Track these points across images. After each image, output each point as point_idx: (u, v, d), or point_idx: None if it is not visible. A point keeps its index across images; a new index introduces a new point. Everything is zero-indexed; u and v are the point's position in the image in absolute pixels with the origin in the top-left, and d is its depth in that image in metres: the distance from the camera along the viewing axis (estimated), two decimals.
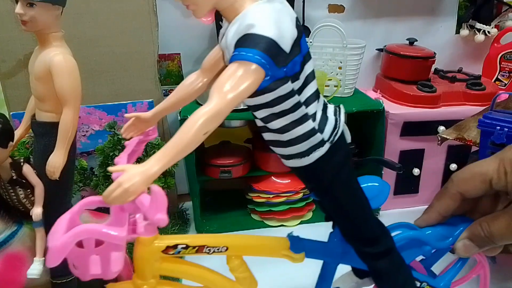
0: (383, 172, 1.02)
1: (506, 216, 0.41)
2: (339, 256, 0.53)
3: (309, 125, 0.43)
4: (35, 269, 0.62)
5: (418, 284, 0.53)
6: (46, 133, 0.65)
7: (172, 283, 0.51)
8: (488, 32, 1.15)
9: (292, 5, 1.05)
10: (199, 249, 0.47)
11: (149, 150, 0.95)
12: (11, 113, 0.99)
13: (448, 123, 0.95)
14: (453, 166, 1.06)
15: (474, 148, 0.94)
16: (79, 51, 0.67)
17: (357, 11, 1.11)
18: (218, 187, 1.18)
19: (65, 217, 0.40)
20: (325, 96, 0.98)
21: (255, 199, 1.03)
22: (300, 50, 0.41)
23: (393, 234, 0.51)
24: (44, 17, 0.60)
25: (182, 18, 1.04)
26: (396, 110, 1.01)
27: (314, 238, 0.53)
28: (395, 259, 0.50)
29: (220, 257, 0.49)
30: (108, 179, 0.92)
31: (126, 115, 0.53)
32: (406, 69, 1.06)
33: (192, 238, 0.47)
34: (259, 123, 0.45)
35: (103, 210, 0.51)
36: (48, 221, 0.65)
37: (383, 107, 0.97)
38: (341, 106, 0.49)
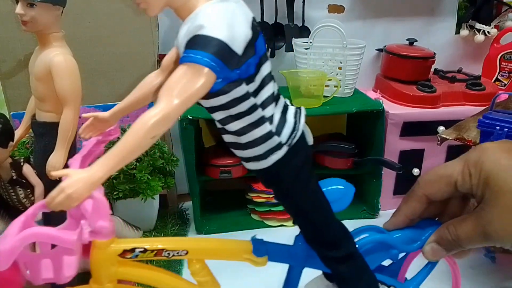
0: (382, 172, 1.02)
1: (472, 219, 0.41)
2: (304, 260, 0.52)
3: (265, 128, 0.42)
4: None
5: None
6: (46, 133, 0.65)
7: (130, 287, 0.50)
8: (488, 32, 1.15)
9: (292, 6, 1.05)
10: (158, 253, 0.45)
11: (149, 150, 0.95)
12: (11, 113, 0.99)
13: (448, 123, 0.95)
14: None
15: None
16: (79, 51, 0.67)
17: (357, 11, 1.11)
18: (218, 187, 1.18)
19: (19, 219, 0.39)
20: (325, 96, 0.98)
21: (255, 199, 1.04)
22: (255, 51, 0.40)
23: (360, 237, 0.51)
24: (45, 17, 0.61)
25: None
26: (396, 110, 1.01)
27: None
28: (358, 263, 0.49)
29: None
30: (107, 180, 0.92)
31: (83, 115, 0.52)
32: (406, 69, 1.06)
33: (150, 241, 0.46)
34: (218, 125, 0.44)
35: None
36: (48, 221, 0.65)
37: (383, 107, 0.97)
38: (302, 108, 0.48)
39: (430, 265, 0.51)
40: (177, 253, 0.46)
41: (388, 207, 1.04)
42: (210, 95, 0.39)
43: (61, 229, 0.41)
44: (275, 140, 0.43)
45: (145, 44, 0.97)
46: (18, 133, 0.70)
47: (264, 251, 0.50)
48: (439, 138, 0.85)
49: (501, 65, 1.17)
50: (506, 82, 1.18)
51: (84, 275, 0.46)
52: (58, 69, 0.62)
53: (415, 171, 1.06)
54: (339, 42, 0.99)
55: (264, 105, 0.42)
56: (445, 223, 0.44)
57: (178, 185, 1.09)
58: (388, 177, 1.04)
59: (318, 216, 0.47)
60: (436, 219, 0.49)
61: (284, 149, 0.43)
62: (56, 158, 0.62)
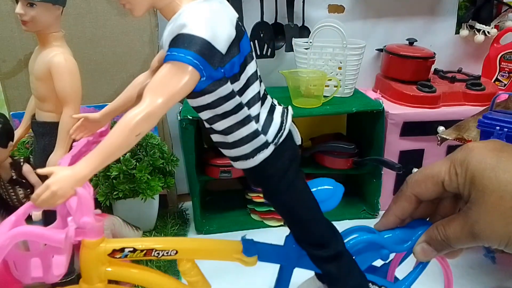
0: (382, 172, 1.02)
1: (460, 219, 0.41)
2: (295, 260, 0.52)
3: (252, 126, 0.42)
4: None
5: None
6: (46, 133, 0.65)
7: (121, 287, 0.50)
8: (488, 32, 1.15)
9: (292, 5, 1.05)
10: (147, 253, 0.46)
11: (149, 150, 0.96)
12: (11, 113, 0.99)
13: (448, 123, 0.95)
14: None
15: None
16: (79, 51, 0.67)
17: (357, 11, 1.11)
18: (218, 187, 1.18)
19: (10, 219, 0.40)
20: (325, 96, 0.98)
21: (255, 199, 1.03)
22: (240, 50, 0.40)
23: (351, 237, 0.51)
24: (45, 17, 0.61)
25: None
26: (396, 110, 1.01)
27: None
28: (347, 262, 0.49)
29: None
30: (108, 179, 0.92)
31: (74, 115, 0.53)
32: (406, 69, 1.06)
33: (139, 241, 0.46)
34: (206, 125, 0.44)
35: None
36: (48, 221, 0.65)
37: (383, 107, 0.97)
38: (289, 108, 0.48)
39: (421, 265, 0.51)
40: (167, 253, 0.47)
41: None
42: (195, 94, 0.39)
43: (51, 228, 0.40)
44: (261, 139, 0.43)
45: (145, 44, 0.97)
46: (18, 133, 0.70)
47: (254, 251, 0.50)
48: (439, 138, 0.85)
49: (501, 65, 1.17)
50: (506, 82, 1.18)
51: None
52: (58, 69, 0.62)
53: (415, 171, 1.06)
54: (339, 42, 0.99)
55: (249, 104, 0.42)
56: (435, 223, 0.44)
57: (178, 185, 1.09)
58: (388, 177, 1.04)
59: (306, 215, 0.47)
60: (428, 219, 0.49)
61: (271, 148, 0.44)
62: (55, 157, 0.63)
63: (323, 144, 1.06)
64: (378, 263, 0.53)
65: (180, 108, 0.95)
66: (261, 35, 1.05)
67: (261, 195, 1.01)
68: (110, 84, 0.98)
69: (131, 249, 0.45)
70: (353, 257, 0.50)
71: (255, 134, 0.43)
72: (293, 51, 1.04)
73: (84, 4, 0.92)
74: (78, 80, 0.64)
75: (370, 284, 0.51)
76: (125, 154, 0.91)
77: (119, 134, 0.36)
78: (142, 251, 0.46)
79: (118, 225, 0.83)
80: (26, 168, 0.65)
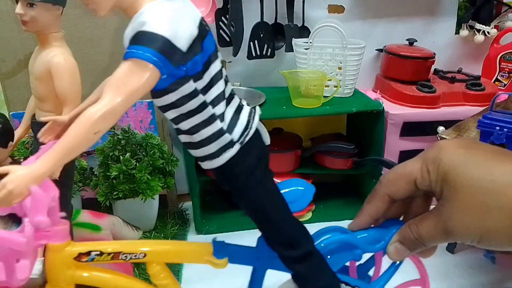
0: (382, 172, 1.02)
1: (433, 217, 0.41)
2: (267, 262, 0.51)
3: (217, 125, 0.42)
4: (34, 269, 0.63)
5: None
6: None
7: None
8: (488, 32, 1.15)
9: (292, 6, 1.05)
10: (115, 256, 0.45)
11: (149, 150, 0.96)
12: (11, 113, 0.99)
13: (447, 124, 0.95)
14: None
15: None
16: (79, 51, 0.67)
17: (357, 11, 1.11)
18: (218, 187, 1.18)
19: None
20: (324, 97, 0.98)
21: None
22: (202, 49, 0.40)
23: (324, 237, 0.51)
24: (45, 17, 0.61)
25: None
26: (396, 111, 1.01)
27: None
28: (317, 262, 0.49)
29: None
30: (108, 179, 0.92)
31: (42, 118, 0.52)
32: (405, 69, 1.06)
33: (106, 244, 0.46)
34: (173, 125, 0.44)
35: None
36: None
37: (383, 108, 0.97)
38: (257, 108, 0.48)
39: (395, 265, 0.51)
40: (135, 256, 0.46)
41: None
42: (158, 93, 0.39)
43: (14, 231, 0.40)
44: (226, 138, 0.43)
45: None
46: (18, 133, 0.70)
47: (225, 253, 0.50)
48: (439, 138, 0.85)
49: (501, 65, 1.17)
50: (505, 83, 1.18)
51: None
52: (58, 69, 0.62)
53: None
54: (339, 42, 0.99)
55: (214, 103, 0.42)
56: (407, 222, 0.44)
57: (178, 185, 1.09)
58: None
59: (275, 215, 0.47)
60: (401, 218, 0.49)
61: (236, 147, 0.44)
62: None
63: (323, 144, 1.06)
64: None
65: None
66: (261, 35, 1.05)
67: None
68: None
69: (98, 253, 0.45)
70: (324, 258, 0.49)
71: (220, 133, 0.43)
72: (293, 51, 1.04)
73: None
74: (78, 80, 0.64)
75: (343, 284, 0.51)
76: (125, 154, 0.91)
77: (77, 132, 0.36)
78: (109, 254, 0.45)
79: (118, 225, 0.83)
80: None
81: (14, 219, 0.65)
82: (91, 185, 0.95)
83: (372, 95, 1.05)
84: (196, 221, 1.02)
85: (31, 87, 0.66)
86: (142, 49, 0.36)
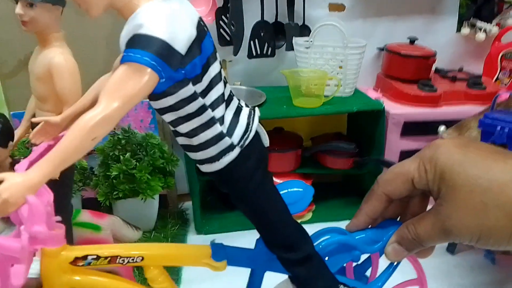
0: (383, 172, 1.02)
1: (431, 216, 0.41)
2: (265, 264, 0.51)
3: (216, 129, 0.41)
4: (35, 269, 0.62)
5: None
6: None
7: None
8: (489, 30, 1.15)
9: (293, 5, 1.05)
10: (112, 260, 0.45)
11: (149, 150, 0.95)
12: (11, 112, 0.99)
13: (449, 123, 0.94)
14: None
15: None
16: (79, 51, 0.67)
17: (357, 10, 1.11)
18: (219, 187, 1.18)
19: None
20: (325, 96, 0.98)
21: None
22: (201, 51, 0.39)
23: (322, 239, 0.50)
24: (44, 17, 0.61)
25: None
26: (397, 110, 1.01)
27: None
28: (316, 265, 0.48)
29: None
30: (108, 179, 0.92)
31: (33, 119, 0.51)
32: (406, 68, 1.06)
33: (103, 248, 0.45)
34: (171, 127, 0.43)
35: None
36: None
37: (383, 107, 0.97)
38: (256, 109, 0.47)
39: (393, 266, 0.51)
40: (133, 259, 0.45)
41: None
42: (156, 96, 0.38)
43: (8, 237, 0.39)
44: (226, 141, 0.42)
45: None
46: (18, 132, 0.70)
47: (223, 255, 0.49)
48: (441, 138, 0.85)
49: (502, 64, 1.17)
50: (507, 82, 1.18)
51: None
52: (58, 69, 0.61)
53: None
54: (340, 41, 0.99)
55: (213, 106, 0.41)
56: (405, 223, 0.44)
57: (178, 185, 1.09)
58: None
59: (274, 218, 0.47)
60: (398, 218, 0.49)
61: (237, 151, 0.43)
62: None
63: (323, 144, 1.06)
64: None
65: None
66: (262, 34, 1.05)
67: None
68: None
69: (95, 257, 0.44)
70: (323, 260, 0.49)
71: (220, 137, 0.42)
72: (293, 50, 1.04)
73: None
74: (78, 80, 0.63)
75: (341, 285, 0.51)
76: (125, 154, 0.91)
77: (73, 139, 0.35)
78: (106, 258, 0.44)
79: (118, 225, 0.83)
80: None
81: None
82: (91, 184, 0.95)
83: (373, 94, 1.05)
84: (196, 221, 1.02)
85: (31, 87, 0.66)
86: (139, 52, 0.35)
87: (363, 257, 0.51)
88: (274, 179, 1.03)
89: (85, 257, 0.44)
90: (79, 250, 0.44)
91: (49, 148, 0.50)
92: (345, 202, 1.12)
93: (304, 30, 1.07)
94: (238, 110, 0.45)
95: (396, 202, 0.46)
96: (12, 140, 0.65)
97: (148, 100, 0.40)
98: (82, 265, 0.44)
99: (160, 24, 0.36)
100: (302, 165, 1.07)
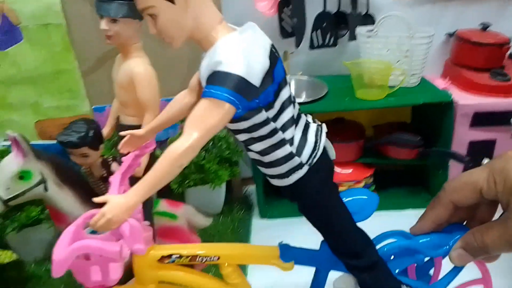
0: (449, 164, 1.00)
1: (500, 226, 0.41)
2: (330, 264, 0.54)
3: (286, 149, 0.45)
4: None
5: None
6: None
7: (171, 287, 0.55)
8: None
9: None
10: (192, 258, 0.51)
11: (216, 142, 1.01)
12: (92, 107, 1.08)
13: None
14: None
15: None
16: (153, 49, 0.71)
17: None
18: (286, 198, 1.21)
19: (69, 229, 0.45)
20: (390, 87, 0.96)
21: None
22: (273, 79, 0.42)
23: (386, 241, 0.52)
24: (126, 31, 0.66)
25: (247, 7, 1.01)
26: (466, 101, 0.97)
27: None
28: (381, 271, 0.51)
29: None
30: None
31: (121, 133, 0.57)
32: (478, 56, 1.00)
33: (185, 248, 0.51)
34: (243, 145, 0.47)
35: None
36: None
37: (452, 99, 0.94)
38: (323, 126, 0.50)
39: (457, 270, 0.52)
40: (210, 258, 0.52)
41: None
42: (232, 120, 0.42)
43: (104, 239, 0.46)
44: (295, 160, 0.46)
45: None
46: (104, 133, 0.77)
47: (291, 256, 0.54)
48: None
49: None
50: None
51: None
52: (139, 79, 0.67)
53: (485, 162, 1.02)
54: (405, 31, 0.95)
55: (284, 128, 0.45)
56: (472, 230, 0.44)
57: (242, 169, 1.13)
58: (456, 168, 1.02)
59: (339, 228, 0.50)
60: (464, 223, 0.49)
61: (305, 169, 0.46)
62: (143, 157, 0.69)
63: (386, 134, 1.05)
64: None
65: None
66: (324, 24, 1.05)
67: None
68: (176, 79, 1.03)
69: (178, 255, 0.51)
70: (386, 264, 0.51)
71: (290, 156, 0.46)
72: (356, 39, 1.03)
73: None
74: (156, 88, 0.69)
75: (404, 286, 0.53)
76: None
77: (163, 166, 0.41)
78: (187, 257, 0.51)
79: (191, 213, 0.90)
80: (114, 167, 0.72)
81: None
82: None
83: (440, 83, 1.01)
84: (260, 206, 1.08)
85: (116, 93, 0.73)
86: (219, 89, 0.39)
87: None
88: (336, 168, 1.05)
89: (170, 256, 0.51)
90: (165, 250, 0.51)
91: (136, 157, 0.57)
92: (408, 192, 1.12)
93: (367, 19, 1.05)
94: (306, 127, 0.49)
95: (463, 208, 0.47)
96: (103, 143, 0.72)
97: None
98: (168, 262, 0.51)
99: (237, 61, 0.40)
100: (364, 154, 1.07)
